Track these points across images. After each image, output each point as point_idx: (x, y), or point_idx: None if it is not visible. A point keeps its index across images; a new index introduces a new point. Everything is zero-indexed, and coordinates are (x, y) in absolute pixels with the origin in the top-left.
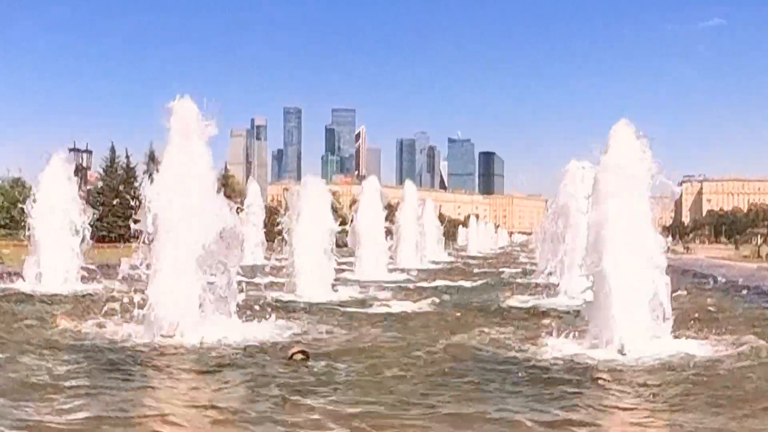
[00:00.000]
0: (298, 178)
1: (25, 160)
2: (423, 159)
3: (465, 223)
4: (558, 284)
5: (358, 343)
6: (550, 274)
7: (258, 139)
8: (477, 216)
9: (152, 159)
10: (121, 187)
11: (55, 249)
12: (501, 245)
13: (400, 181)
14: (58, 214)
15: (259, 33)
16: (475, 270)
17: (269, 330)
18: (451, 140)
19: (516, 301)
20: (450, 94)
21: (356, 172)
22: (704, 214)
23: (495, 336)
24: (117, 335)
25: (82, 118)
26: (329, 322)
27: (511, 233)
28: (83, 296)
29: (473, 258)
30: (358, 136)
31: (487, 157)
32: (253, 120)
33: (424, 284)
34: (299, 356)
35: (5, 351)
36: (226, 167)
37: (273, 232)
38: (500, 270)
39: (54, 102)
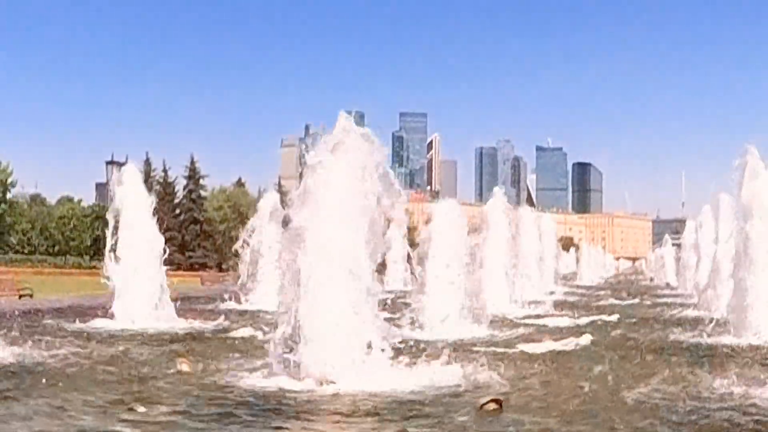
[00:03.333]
0: None
1: (43, 174)
2: (507, 171)
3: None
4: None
5: (543, 391)
6: None
7: (313, 149)
8: (571, 239)
9: (193, 173)
10: (157, 206)
11: (144, 280)
12: (607, 274)
13: (480, 197)
14: (142, 239)
15: (314, 27)
16: (603, 303)
17: (437, 375)
18: (539, 149)
19: (685, 338)
20: (538, 94)
21: (428, 187)
22: None
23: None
24: (252, 383)
25: (112, 127)
26: (486, 364)
27: (617, 259)
28: (186, 334)
29: (587, 288)
30: (430, 145)
31: (582, 169)
32: (307, 127)
33: (556, 321)
34: (492, 406)
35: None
36: (279, 182)
37: None
38: (632, 302)
39: (79, 109)
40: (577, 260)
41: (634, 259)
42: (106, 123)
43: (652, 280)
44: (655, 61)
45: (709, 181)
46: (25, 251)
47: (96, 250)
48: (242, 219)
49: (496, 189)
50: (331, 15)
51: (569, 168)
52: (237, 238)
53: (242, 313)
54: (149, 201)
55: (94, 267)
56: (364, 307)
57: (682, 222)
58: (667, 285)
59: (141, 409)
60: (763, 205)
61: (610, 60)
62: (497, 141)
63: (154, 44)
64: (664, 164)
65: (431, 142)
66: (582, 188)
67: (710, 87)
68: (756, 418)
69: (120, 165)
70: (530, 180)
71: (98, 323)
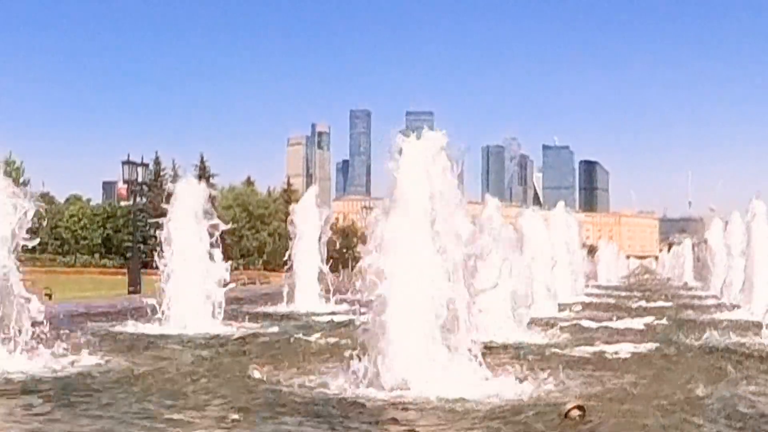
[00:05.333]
0: (367, 192)
1: (48, 172)
2: (513, 169)
3: None
4: None
5: (620, 395)
6: None
7: (320, 148)
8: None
9: (203, 172)
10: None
11: (196, 283)
12: (622, 274)
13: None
14: (196, 242)
15: (320, 26)
16: (635, 304)
17: (507, 382)
18: (546, 147)
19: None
20: (544, 93)
21: None
22: None
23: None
24: (328, 388)
25: (118, 125)
26: (546, 368)
27: (627, 257)
28: (237, 339)
29: (607, 289)
30: None
31: (589, 168)
32: (314, 126)
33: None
34: (576, 412)
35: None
36: (288, 181)
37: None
38: (665, 304)
39: (84, 108)
40: (595, 260)
41: (642, 258)
42: (112, 122)
43: (669, 279)
44: (661, 60)
45: (716, 180)
46: (35, 249)
47: (106, 249)
48: (251, 218)
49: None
50: (337, 14)
51: (576, 166)
52: (247, 237)
53: (287, 316)
54: (203, 205)
55: (104, 266)
56: (443, 314)
57: (688, 221)
58: (685, 285)
59: (234, 416)
60: None
61: (617, 58)
62: (504, 139)
63: (161, 43)
64: (670, 163)
65: None
66: (589, 187)
67: (717, 86)
68: None
69: (136, 165)
70: (537, 178)
71: (148, 328)
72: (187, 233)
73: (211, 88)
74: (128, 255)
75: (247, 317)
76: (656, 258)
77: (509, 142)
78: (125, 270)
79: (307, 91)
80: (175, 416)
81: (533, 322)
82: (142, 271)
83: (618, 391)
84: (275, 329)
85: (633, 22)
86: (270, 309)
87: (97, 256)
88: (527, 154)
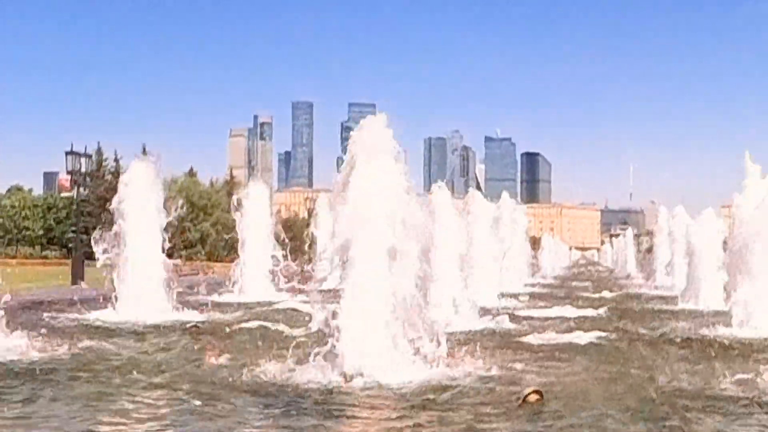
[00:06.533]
0: (310, 184)
1: None
2: (455, 161)
3: None
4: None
5: (574, 380)
6: None
7: (262, 139)
8: None
9: None
10: (108, 196)
11: (148, 271)
12: (564, 265)
13: (429, 188)
14: (147, 230)
15: (263, 18)
16: (583, 294)
17: (465, 369)
18: (488, 139)
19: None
20: (487, 85)
21: None
22: None
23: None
24: (279, 376)
25: (60, 116)
26: (502, 356)
27: (570, 249)
28: (193, 326)
29: (553, 279)
30: None
31: (531, 159)
32: (256, 117)
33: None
34: (534, 397)
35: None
36: (231, 172)
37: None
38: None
39: (24, 99)
40: (538, 251)
41: (584, 249)
42: (53, 112)
43: (612, 270)
44: (603, 53)
45: (656, 172)
46: None
47: (48, 240)
48: (194, 209)
49: (471, 192)
50: (280, 5)
51: (518, 158)
52: (189, 228)
53: (238, 305)
54: (155, 195)
55: (46, 257)
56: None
57: (629, 212)
58: (628, 276)
59: (197, 402)
60: None
61: (558, 51)
62: (446, 131)
63: (103, 34)
64: (611, 155)
65: None
66: (531, 178)
67: (657, 78)
68: None
69: (79, 155)
70: (479, 170)
71: (98, 316)
72: (139, 221)
73: (153, 79)
74: (70, 246)
75: (200, 306)
76: (598, 249)
77: (451, 134)
78: (68, 261)
79: (249, 82)
80: (139, 402)
81: (482, 312)
82: (86, 262)
83: (572, 377)
84: (228, 317)
85: (575, 15)
86: (220, 298)
87: (38, 247)
88: (469, 146)
